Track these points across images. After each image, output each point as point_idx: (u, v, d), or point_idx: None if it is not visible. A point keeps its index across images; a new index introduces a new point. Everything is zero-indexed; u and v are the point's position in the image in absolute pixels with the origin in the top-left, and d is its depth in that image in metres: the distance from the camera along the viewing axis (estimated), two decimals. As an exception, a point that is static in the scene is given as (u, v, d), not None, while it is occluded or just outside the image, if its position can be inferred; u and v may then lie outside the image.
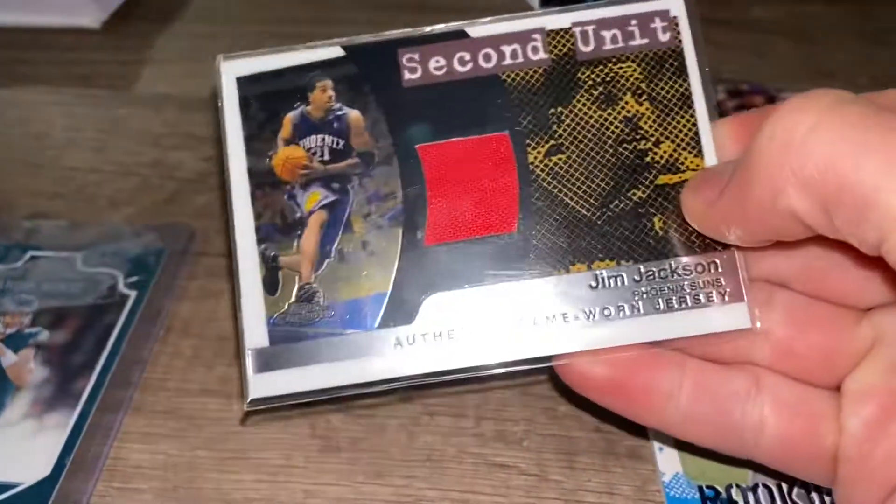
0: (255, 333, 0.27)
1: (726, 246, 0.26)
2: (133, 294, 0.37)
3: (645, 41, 0.28)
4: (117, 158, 0.46)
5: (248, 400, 0.27)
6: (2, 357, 0.35)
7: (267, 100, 0.29)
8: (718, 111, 0.28)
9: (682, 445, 0.30)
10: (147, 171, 0.45)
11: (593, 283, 0.27)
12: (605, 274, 0.27)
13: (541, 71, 0.28)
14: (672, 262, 0.27)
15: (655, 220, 0.27)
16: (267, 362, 0.27)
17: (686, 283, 0.26)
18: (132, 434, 0.32)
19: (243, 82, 0.29)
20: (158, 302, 0.37)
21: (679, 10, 0.28)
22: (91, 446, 0.32)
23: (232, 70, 0.29)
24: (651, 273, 0.27)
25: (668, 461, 0.31)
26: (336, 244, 0.28)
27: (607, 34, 0.28)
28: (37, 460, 0.31)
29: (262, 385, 0.27)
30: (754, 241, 0.24)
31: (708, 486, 0.30)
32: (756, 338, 0.26)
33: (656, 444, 0.31)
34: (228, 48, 0.54)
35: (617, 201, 0.27)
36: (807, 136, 0.21)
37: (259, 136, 0.29)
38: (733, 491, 0.29)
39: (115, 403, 0.33)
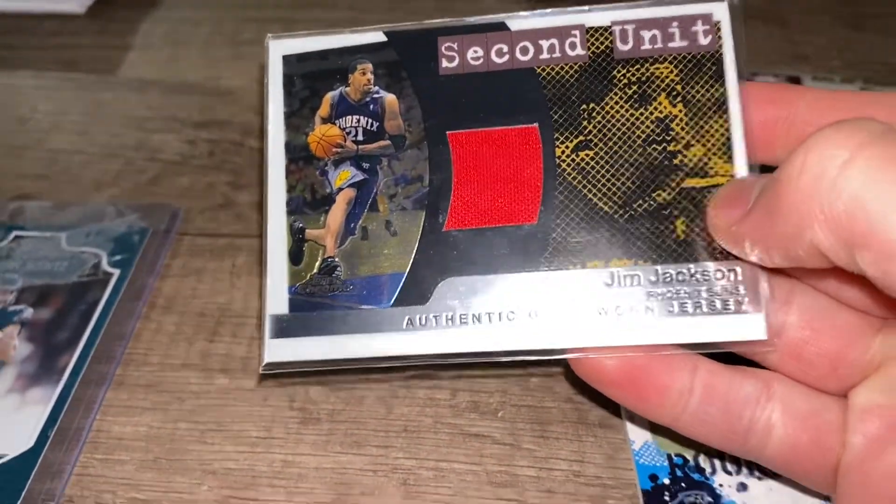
0: (277, 300, 0.28)
1: None
2: (117, 272, 0.38)
3: (684, 43, 0.28)
4: (101, 141, 0.46)
5: (264, 363, 0.28)
6: (-14, 334, 0.35)
7: (310, 79, 0.30)
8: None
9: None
10: (130, 154, 0.45)
11: (608, 281, 0.27)
12: (621, 272, 0.27)
13: (577, 66, 0.28)
14: (691, 267, 0.26)
15: (678, 222, 0.27)
16: (285, 328, 0.28)
17: (704, 288, 0.26)
18: (115, 407, 0.33)
19: (289, 60, 0.30)
20: (141, 279, 0.38)
21: (723, 15, 0.28)
22: (74, 419, 0.32)
23: (279, 49, 0.30)
24: (668, 275, 0.26)
25: (638, 430, 0.31)
26: (361, 222, 0.29)
27: (647, 34, 0.28)
28: (21, 432, 0.32)
29: (278, 350, 0.28)
30: (774, 265, 0.24)
31: (677, 454, 0.30)
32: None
33: (626, 414, 0.32)
34: (211, 33, 0.55)
35: (641, 201, 0.27)
36: (838, 174, 0.20)
37: (298, 113, 0.30)
38: (701, 458, 0.30)
39: (99, 378, 0.34)
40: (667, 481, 0.30)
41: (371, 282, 0.28)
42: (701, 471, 0.30)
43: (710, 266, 0.26)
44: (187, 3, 0.58)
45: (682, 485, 0.29)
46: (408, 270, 0.28)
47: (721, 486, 0.29)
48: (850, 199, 0.20)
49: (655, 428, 0.31)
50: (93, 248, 0.39)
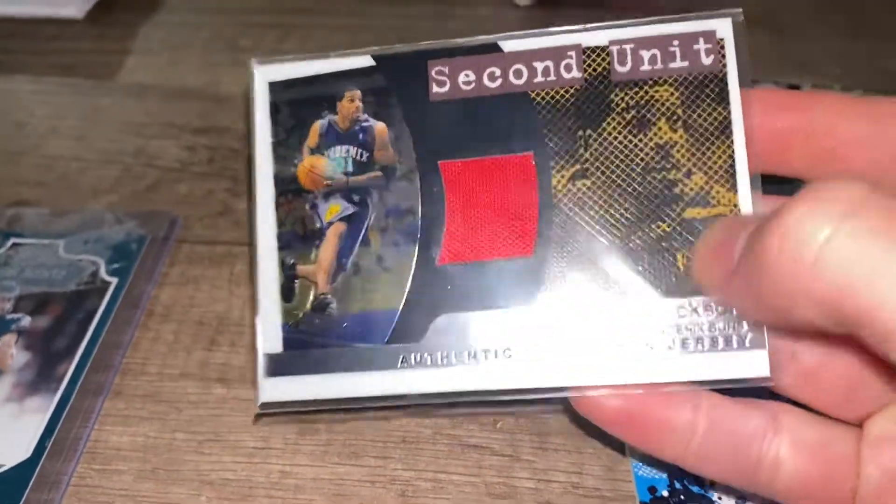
0: (270, 339, 0.28)
1: None
2: (115, 280, 0.38)
3: (685, 64, 0.26)
4: (99, 147, 0.46)
5: (259, 403, 0.28)
6: (-17, 342, 0.35)
7: (296, 106, 0.29)
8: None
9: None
10: (129, 160, 0.45)
11: (608, 316, 0.26)
12: (620, 308, 0.26)
13: (572, 90, 0.27)
14: (692, 301, 0.25)
15: (679, 255, 0.26)
16: (279, 368, 0.28)
17: (705, 324, 0.25)
18: (112, 417, 0.33)
19: (275, 87, 0.29)
20: (140, 288, 0.38)
21: (726, 32, 0.26)
22: (72, 429, 0.32)
23: (264, 75, 0.29)
24: (669, 311, 0.26)
25: (637, 442, 0.31)
26: (352, 257, 0.28)
27: (646, 54, 0.27)
28: (18, 443, 0.31)
29: (273, 389, 0.28)
30: (767, 324, 0.23)
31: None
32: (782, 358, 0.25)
33: (626, 426, 0.32)
34: (210, 39, 0.55)
35: (640, 233, 0.26)
36: (819, 254, 0.19)
37: (286, 143, 0.29)
38: (700, 470, 0.30)
39: (96, 387, 0.34)
40: (665, 494, 0.30)
41: (364, 319, 0.27)
42: (700, 483, 0.30)
43: (712, 300, 0.25)
44: (187, 7, 0.58)
45: (681, 497, 0.29)
46: (401, 307, 0.27)
47: (720, 498, 0.29)
48: (833, 279, 0.18)
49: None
50: (91, 256, 0.39)
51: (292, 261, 0.28)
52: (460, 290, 0.27)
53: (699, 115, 0.26)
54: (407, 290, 0.27)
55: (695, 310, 0.25)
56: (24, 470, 0.31)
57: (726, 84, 0.26)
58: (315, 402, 0.27)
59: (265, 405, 0.28)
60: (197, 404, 0.33)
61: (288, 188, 0.29)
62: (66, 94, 0.50)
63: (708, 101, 0.26)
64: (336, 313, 0.28)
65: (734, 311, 0.25)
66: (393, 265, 0.28)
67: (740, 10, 0.26)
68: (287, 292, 0.28)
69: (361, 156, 0.28)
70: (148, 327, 0.36)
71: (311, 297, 0.28)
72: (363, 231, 0.28)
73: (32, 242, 0.40)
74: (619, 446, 0.31)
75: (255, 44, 0.54)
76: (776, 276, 0.20)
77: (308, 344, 0.28)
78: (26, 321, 0.36)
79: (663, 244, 0.26)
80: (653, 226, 0.26)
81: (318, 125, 0.29)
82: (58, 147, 0.46)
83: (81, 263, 0.39)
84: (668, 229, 0.26)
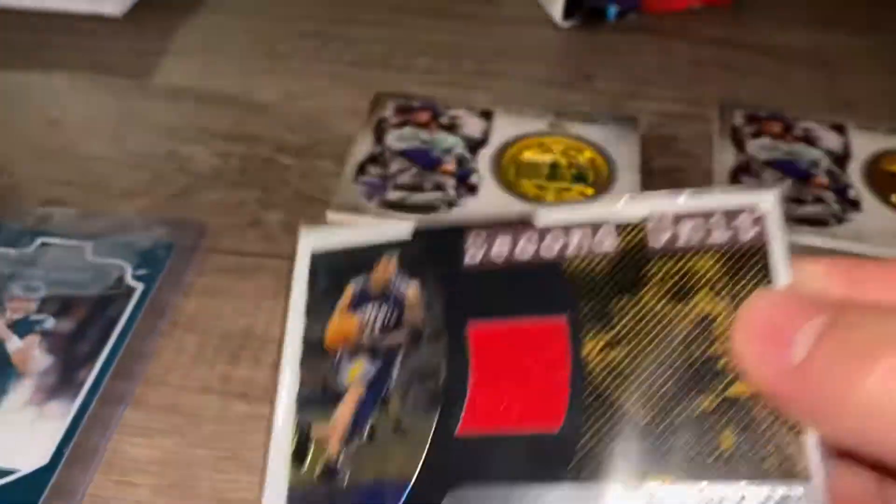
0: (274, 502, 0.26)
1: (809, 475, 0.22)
2: (140, 287, 0.37)
3: (727, 236, 0.25)
4: (131, 149, 0.46)
5: None
6: (7, 342, 0.35)
7: (334, 274, 0.29)
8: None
9: None
10: (161, 164, 0.45)
11: (645, 500, 0.24)
12: (659, 492, 0.24)
13: (606, 260, 0.26)
14: (742, 484, 0.23)
15: (723, 436, 0.24)
16: None
17: None
18: (132, 427, 0.32)
19: (317, 257, 0.29)
20: (165, 296, 0.37)
21: (769, 207, 0.25)
22: (90, 437, 0.32)
23: (309, 242, 0.29)
24: (713, 498, 0.23)
25: None
26: (369, 420, 0.26)
27: (685, 228, 0.26)
28: (35, 448, 0.31)
29: None
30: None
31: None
32: None
33: None
34: (248, 44, 0.54)
35: (679, 409, 0.24)
36: None
37: (319, 305, 0.28)
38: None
39: (117, 396, 0.33)
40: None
41: (374, 490, 0.26)
42: None
43: (762, 490, 0.23)
44: (226, 9, 0.58)
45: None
46: (414, 478, 0.25)
47: None
48: None
49: None
50: (117, 260, 0.38)
51: (308, 421, 0.27)
52: (480, 462, 0.25)
53: (742, 288, 0.25)
54: (422, 461, 0.25)
55: (743, 498, 0.23)
56: (40, 477, 0.30)
57: (768, 257, 0.25)
58: None
59: None
60: (217, 420, 0.33)
61: (315, 349, 0.28)
62: (100, 92, 0.50)
63: (751, 273, 0.25)
64: (345, 483, 0.26)
65: (792, 496, 0.23)
66: (410, 431, 0.26)
67: (781, 186, 0.26)
68: (299, 455, 0.27)
69: (390, 318, 0.28)
70: (171, 337, 0.36)
71: (321, 465, 0.26)
72: (383, 394, 0.27)
73: (60, 243, 0.39)
74: None
75: (291, 52, 0.53)
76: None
77: None
78: (50, 323, 0.36)
79: (705, 423, 0.24)
80: (694, 402, 0.24)
81: (352, 286, 0.28)
82: (90, 147, 0.46)
83: (108, 267, 0.38)
84: (710, 407, 0.24)
